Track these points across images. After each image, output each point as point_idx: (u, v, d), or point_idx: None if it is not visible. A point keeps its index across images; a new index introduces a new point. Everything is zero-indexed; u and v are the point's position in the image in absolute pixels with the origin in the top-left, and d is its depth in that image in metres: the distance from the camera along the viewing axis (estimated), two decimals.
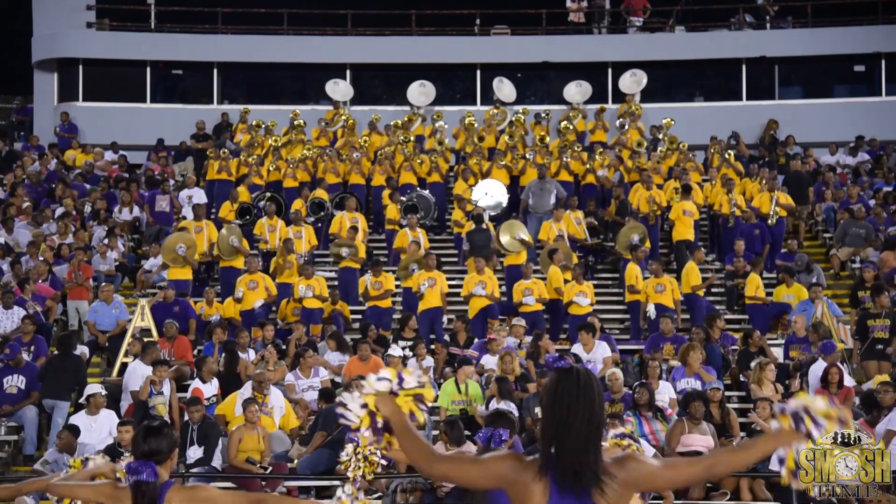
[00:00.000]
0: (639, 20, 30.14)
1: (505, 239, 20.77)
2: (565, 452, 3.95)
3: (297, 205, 22.29)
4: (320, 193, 23.08)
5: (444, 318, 19.10)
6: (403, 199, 22.69)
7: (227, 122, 27.99)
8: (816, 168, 25.82)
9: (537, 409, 14.83)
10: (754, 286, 19.36)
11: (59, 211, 23.08)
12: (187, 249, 20.23)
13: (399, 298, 20.02)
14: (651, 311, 18.47)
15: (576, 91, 28.61)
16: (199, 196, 23.37)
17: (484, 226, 21.28)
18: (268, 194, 22.98)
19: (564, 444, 3.95)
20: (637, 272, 19.32)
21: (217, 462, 14.47)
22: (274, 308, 19.63)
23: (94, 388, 15.21)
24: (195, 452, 14.25)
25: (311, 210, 22.52)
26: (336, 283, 20.46)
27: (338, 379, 16.67)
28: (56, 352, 16.78)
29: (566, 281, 19.21)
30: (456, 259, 22.38)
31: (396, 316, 19.65)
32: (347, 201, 22.12)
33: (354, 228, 21.06)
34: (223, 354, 16.79)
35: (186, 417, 14.70)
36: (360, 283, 19.74)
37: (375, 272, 19.33)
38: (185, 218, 22.05)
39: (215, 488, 5.84)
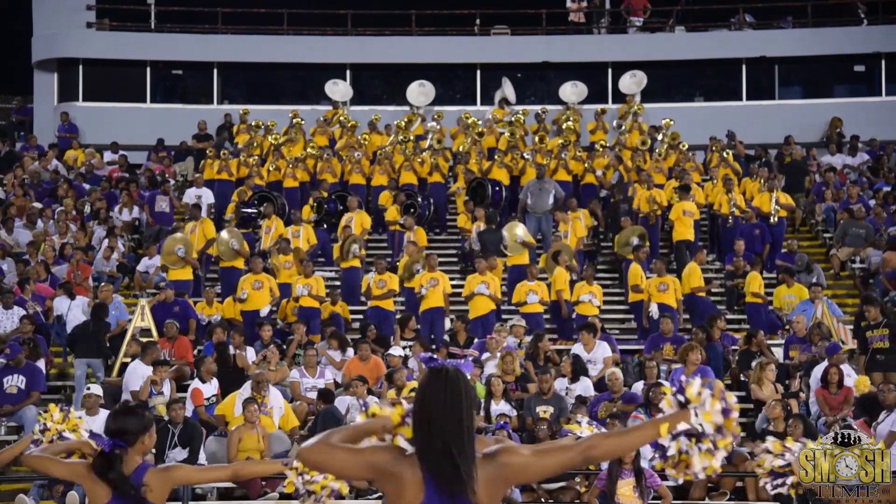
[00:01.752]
0: (639, 20, 30.15)
1: (507, 241, 20.73)
2: (437, 452, 3.90)
3: (306, 210, 22.26)
4: (318, 194, 23.08)
5: (447, 320, 19.06)
6: (403, 198, 22.70)
7: (230, 123, 27.98)
8: (816, 168, 25.83)
9: (539, 409, 14.85)
10: (756, 285, 19.33)
11: (59, 211, 23.09)
12: (186, 250, 20.23)
13: (401, 299, 20.00)
14: (654, 310, 18.46)
15: (571, 91, 28.60)
16: (208, 196, 23.32)
17: (494, 226, 21.31)
18: (258, 195, 22.94)
19: (434, 444, 3.90)
20: (640, 272, 19.32)
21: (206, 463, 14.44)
22: (274, 308, 19.63)
23: (90, 387, 15.16)
24: (178, 454, 14.19)
25: (316, 209, 22.49)
26: (337, 282, 20.50)
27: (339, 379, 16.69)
28: (87, 318, 17.87)
29: (573, 282, 19.22)
30: (455, 259, 22.38)
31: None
32: (349, 201, 22.09)
33: (349, 228, 21.02)
34: (213, 353, 16.79)
35: (167, 418, 14.61)
36: (363, 281, 19.74)
37: (379, 270, 19.29)
38: (186, 218, 21.99)
39: (190, 467, 5.88)
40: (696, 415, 3.92)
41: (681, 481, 4.19)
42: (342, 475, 4.03)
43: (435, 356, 4.07)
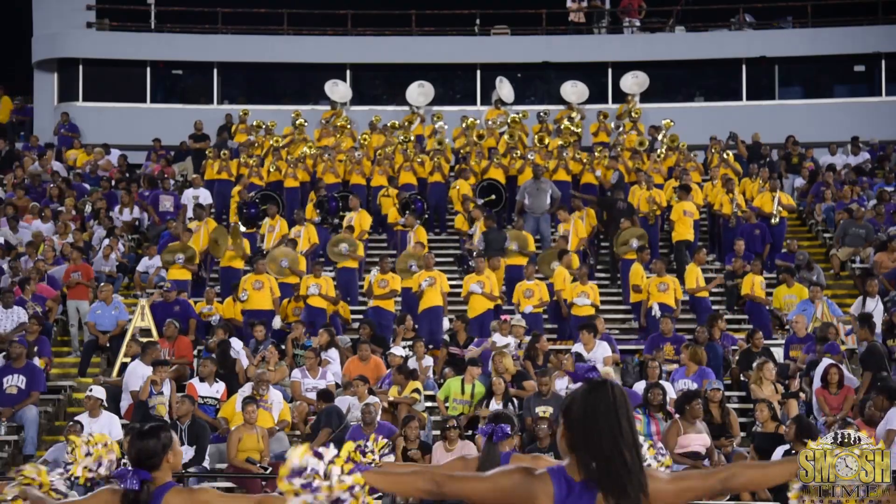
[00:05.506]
0: (636, 21, 30.18)
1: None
2: (613, 464, 3.91)
3: (309, 209, 22.23)
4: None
5: (446, 320, 19.05)
6: (405, 196, 22.69)
7: (230, 122, 27.97)
8: (815, 168, 25.82)
9: (538, 409, 14.83)
10: (750, 285, 19.36)
11: (59, 211, 23.08)
12: (185, 260, 20.20)
13: (399, 298, 19.98)
14: (656, 310, 18.46)
15: (571, 91, 28.58)
16: (206, 197, 23.30)
17: (496, 226, 21.34)
18: (260, 193, 22.97)
19: (611, 456, 3.91)
20: (642, 272, 19.32)
21: (207, 462, 14.45)
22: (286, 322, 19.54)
23: (92, 389, 15.09)
24: (186, 452, 14.24)
25: (317, 207, 22.46)
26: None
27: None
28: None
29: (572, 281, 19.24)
30: (454, 259, 22.36)
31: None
32: (351, 201, 22.04)
33: (350, 228, 21.01)
34: (216, 351, 16.79)
35: (175, 417, 14.67)
36: (365, 280, 19.70)
37: (383, 269, 19.25)
38: (191, 219, 21.99)
39: (216, 491, 5.77)
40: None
41: None
42: (478, 501, 4.07)
43: (595, 369, 4.08)
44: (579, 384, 4.06)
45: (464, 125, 26.24)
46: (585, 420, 3.95)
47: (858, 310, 17.72)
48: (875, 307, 17.67)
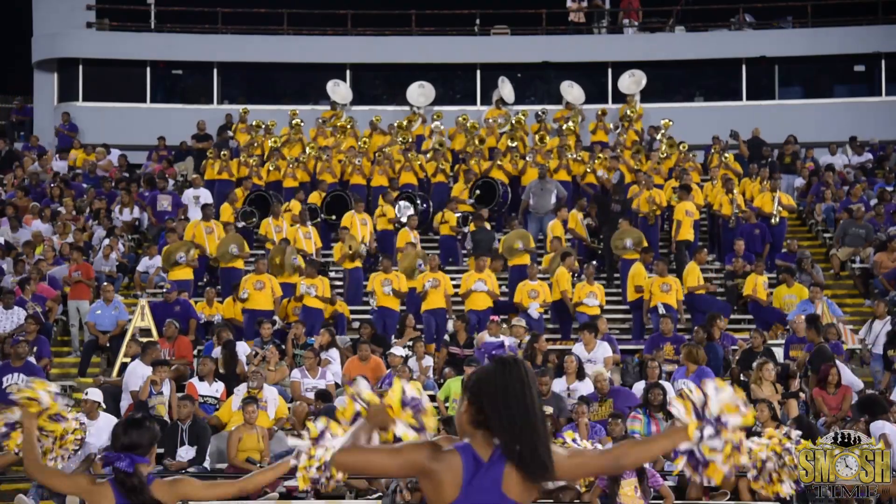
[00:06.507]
0: (634, 22, 30.20)
1: (505, 248, 20.70)
2: (528, 441, 3.91)
3: (295, 208, 22.19)
4: (316, 195, 23.04)
5: (449, 322, 19.04)
6: (403, 202, 22.68)
7: (231, 122, 27.98)
8: (815, 168, 25.83)
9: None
10: (752, 285, 19.37)
11: (59, 211, 23.08)
12: (187, 257, 20.16)
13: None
14: (661, 309, 18.44)
15: (568, 91, 28.57)
16: (206, 196, 23.30)
17: (486, 226, 21.30)
18: (254, 195, 22.98)
19: (525, 434, 3.92)
20: (645, 272, 19.32)
21: (208, 462, 14.44)
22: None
23: (88, 392, 15.08)
24: (187, 452, 14.23)
25: (308, 215, 22.47)
26: (338, 283, 20.49)
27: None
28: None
29: (575, 281, 19.21)
30: (450, 260, 22.33)
31: None
32: (356, 202, 21.95)
33: (346, 229, 21.00)
34: (221, 352, 16.77)
35: (176, 418, 14.69)
36: (369, 281, 19.69)
37: (385, 269, 19.23)
38: (188, 219, 21.97)
39: (196, 480, 5.84)
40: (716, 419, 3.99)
41: (707, 482, 4.18)
42: (381, 476, 4.09)
43: (503, 344, 4.14)
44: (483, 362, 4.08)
45: (466, 125, 26.19)
46: (499, 396, 3.95)
47: (866, 333, 17.65)
48: (882, 327, 17.59)
